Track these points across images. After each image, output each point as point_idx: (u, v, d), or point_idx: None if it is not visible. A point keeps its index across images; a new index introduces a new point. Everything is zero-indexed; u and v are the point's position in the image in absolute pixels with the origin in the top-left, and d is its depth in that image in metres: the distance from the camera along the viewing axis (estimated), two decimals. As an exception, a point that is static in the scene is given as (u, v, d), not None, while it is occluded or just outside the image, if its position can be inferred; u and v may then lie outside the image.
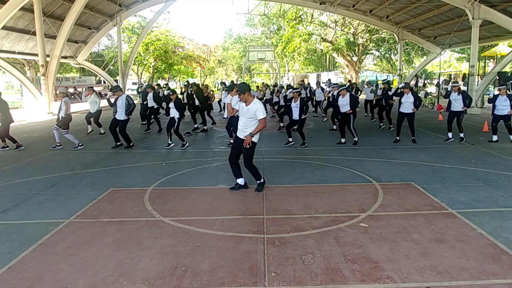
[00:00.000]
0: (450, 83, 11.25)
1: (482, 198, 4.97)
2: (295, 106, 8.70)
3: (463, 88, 23.68)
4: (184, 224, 4.28)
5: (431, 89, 26.84)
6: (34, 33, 17.61)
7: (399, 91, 9.73)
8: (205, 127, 11.80)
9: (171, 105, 8.77)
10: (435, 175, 6.15)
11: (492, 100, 9.01)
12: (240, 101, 5.32)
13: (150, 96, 11.78)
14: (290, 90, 9.59)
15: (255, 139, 5.23)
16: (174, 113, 8.76)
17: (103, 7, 21.71)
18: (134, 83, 34.86)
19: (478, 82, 17.99)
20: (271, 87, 17.06)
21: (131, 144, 9.09)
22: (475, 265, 3.26)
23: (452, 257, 3.42)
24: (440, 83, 27.90)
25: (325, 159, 7.48)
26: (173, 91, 9.15)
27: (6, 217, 4.59)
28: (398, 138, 9.23)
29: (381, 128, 11.50)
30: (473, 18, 15.47)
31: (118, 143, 9.01)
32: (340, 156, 7.80)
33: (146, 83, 24.23)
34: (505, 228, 4.00)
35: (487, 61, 28.26)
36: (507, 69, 20.66)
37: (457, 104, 8.82)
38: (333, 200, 5.03)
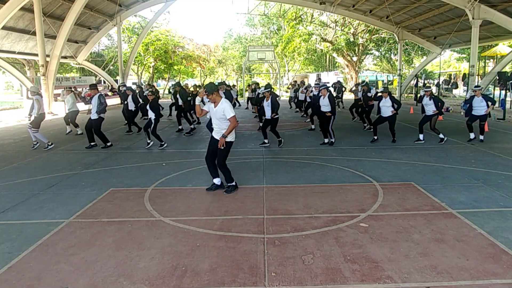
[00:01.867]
0: (423, 89, 11.27)
1: (482, 198, 4.97)
2: (266, 105, 8.77)
3: (463, 88, 23.73)
4: (184, 224, 4.28)
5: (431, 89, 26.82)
6: (34, 33, 17.61)
7: (378, 95, 9.80)
8: (191, 126, 11.80)
9: (148, 106, 8.78)
10: (435, 175, 6.15)
11: (469, 101, 9.12)
12: (209, 101, 5.25)
13: (130, 98, 11.55)
14: (262, 89, 9.59)
15: (230, 138, 5.20)
16: (150, 114, 8.78)
17: (103, 7, 21.71)
18: (134, 83, 34.84)
19: (478, 82, 17.99)
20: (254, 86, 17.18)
21: (108, 144, 9.04)
22: (475, 265, 3.26)
23: (452, 257, 3.42)
24: (440, 83, 27.91)
25: (325, 159, 7.49)
26: (152, 92, 9.17)
27: (6, 217, 4.59)
28: (375, 137, 9.28)
29: (365, 129, 11.30)
30: (473, 18, 15.49)
31: (92, 143, 9.00)
32: (340, 156, 7.80)
33: (146, 83, 24.22)
34: (505, 228, 4.00)
35: (487, 61, 28.25)
36: (507, 69, 20.66)
37: (429, 109, 8.95)
38: (333, 200, 5.03)
